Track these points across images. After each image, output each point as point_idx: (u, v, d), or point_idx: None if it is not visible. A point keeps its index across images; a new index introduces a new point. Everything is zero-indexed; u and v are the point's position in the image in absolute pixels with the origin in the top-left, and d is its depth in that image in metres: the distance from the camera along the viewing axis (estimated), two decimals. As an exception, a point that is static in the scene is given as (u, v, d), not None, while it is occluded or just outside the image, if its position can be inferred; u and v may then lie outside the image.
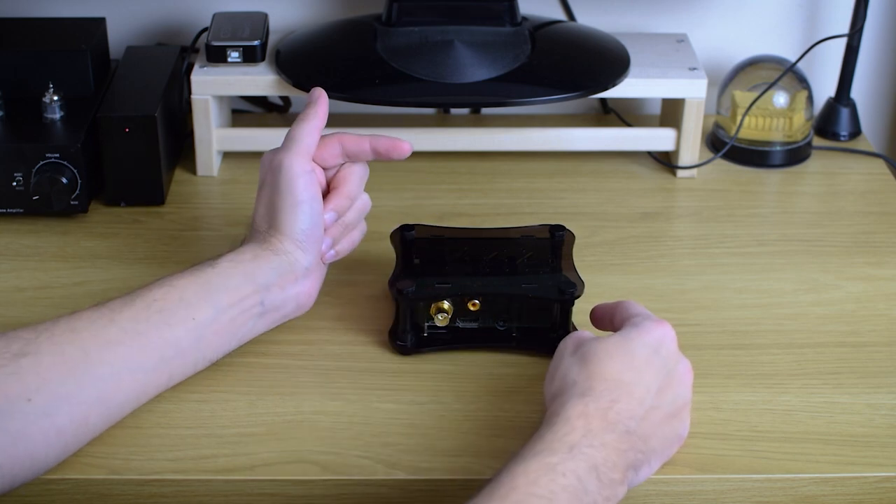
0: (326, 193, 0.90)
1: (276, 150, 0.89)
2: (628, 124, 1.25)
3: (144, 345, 0.79)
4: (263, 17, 1.16)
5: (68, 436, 0.76)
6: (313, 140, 0.88)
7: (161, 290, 0.81)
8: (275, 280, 0.86)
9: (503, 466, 0.70)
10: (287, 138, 0.88)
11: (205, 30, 1.17)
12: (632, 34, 1.21)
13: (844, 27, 1.22)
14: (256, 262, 0.85)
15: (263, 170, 0.89)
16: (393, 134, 1.13)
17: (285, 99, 1.27)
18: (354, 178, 0.91)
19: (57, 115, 1.06)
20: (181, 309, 0.81)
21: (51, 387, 0.74)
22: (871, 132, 1.35)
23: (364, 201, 0.93)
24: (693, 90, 1.13)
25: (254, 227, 0.89)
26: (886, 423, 0.84)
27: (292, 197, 0.86)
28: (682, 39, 1.21)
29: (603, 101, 1.29)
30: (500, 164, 1.17)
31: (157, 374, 0.81)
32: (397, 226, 0.95)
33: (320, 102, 0.90)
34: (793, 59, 1.20)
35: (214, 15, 1.17)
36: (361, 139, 0.90)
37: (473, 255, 0.93)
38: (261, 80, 1.12)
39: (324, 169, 0.91)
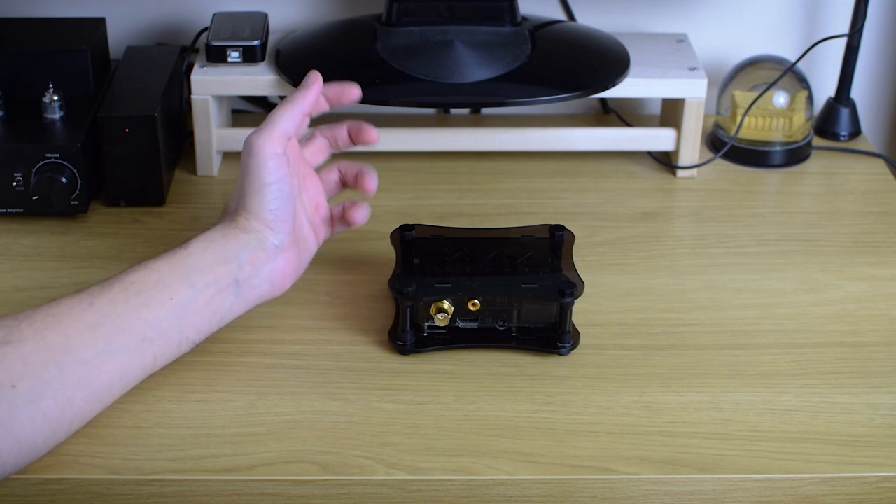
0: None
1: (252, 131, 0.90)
2: (628, 124, 1.24)
3: (124, 327, 0.80)
4: (263, 17, 1.16)
5: (54, 419, 0.76)
6: (291, 124, 0.89)
7: (137, 274, 0.83)
8: (246, 257, 0.87)
9: None
10: (265, 120, 0.89)
11: (205, 30, 1.17)
12: (632, 34, 1.21)
13: (844, 27, 1.22)
14: (226, 240, 0.86)
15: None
16: (393, 134, 1.15)
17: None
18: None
19: (57, 115, 1.06)
20: (158, 290, 0.82)
21: (35, 372, 0.75)
22: (871, 132, 1.35)
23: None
24: (693, 90, 1.13)
25: (226, 207, 0.90)
26: (886, 423, 0.84)
27: (259, 179, 0.87)
28: (682, 39, 1.21)
29: (603, 101, 1.29)
30: (500, 164, 1.17)
31: (141, 355, 0.81)
32: (397, 226, 0.95)
33: (312, 88, 0.91)
34: (793, 59, 1.20)
35: (214, 15, 1.17)
36: (332, 130, 0.96)
37: (473, 255, 0.93)
38: (261, 80, 1.12)
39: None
